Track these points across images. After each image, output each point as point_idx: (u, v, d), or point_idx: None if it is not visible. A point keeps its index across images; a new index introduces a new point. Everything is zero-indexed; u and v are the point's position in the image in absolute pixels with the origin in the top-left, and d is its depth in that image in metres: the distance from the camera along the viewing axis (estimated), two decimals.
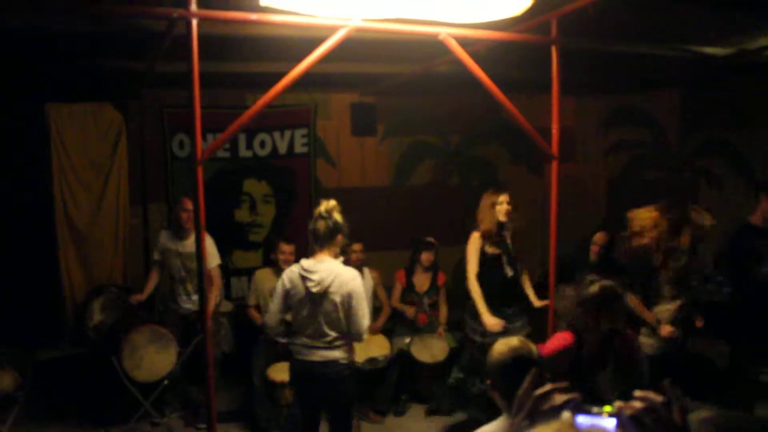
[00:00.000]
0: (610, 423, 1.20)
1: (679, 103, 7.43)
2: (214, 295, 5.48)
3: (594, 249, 5.78)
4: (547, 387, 1.31)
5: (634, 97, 7.64)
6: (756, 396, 5.21)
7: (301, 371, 4.03)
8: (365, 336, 3.96)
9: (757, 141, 6.74)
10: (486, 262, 5.17)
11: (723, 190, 6.97)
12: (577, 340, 3.71)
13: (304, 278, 3.90)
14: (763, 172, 6.55)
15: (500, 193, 5.19)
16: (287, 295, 3.97)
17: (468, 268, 5.16)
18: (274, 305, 4.02)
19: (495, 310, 5.06)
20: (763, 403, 5.25)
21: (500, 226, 5.18)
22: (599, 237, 5.80)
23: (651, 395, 1.23)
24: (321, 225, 3.94)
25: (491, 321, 4.97)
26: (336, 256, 4.00)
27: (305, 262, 3.96)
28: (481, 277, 5.16)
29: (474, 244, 5.18)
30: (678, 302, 4.85)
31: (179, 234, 5.54)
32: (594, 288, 3.68)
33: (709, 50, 5.06)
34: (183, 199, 5.49)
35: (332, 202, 4.01)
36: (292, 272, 3.99)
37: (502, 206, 5.15)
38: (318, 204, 4.02)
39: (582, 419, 1.21)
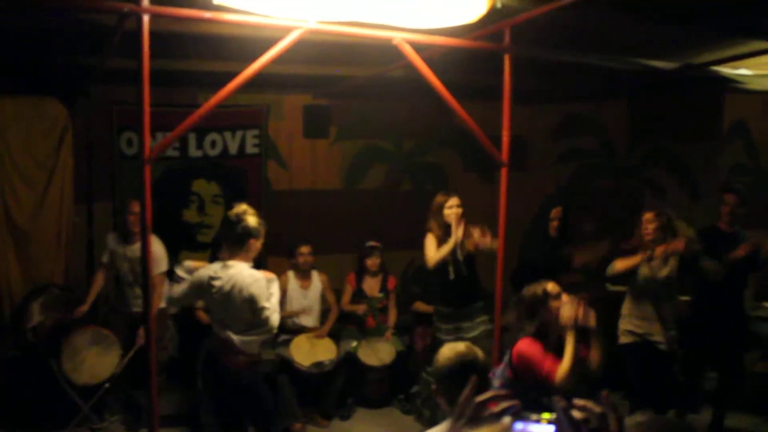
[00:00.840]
0: (548, 430, 1.21)
1: (627, 114, 7.60)
2: (155, 303, 5.40)
3: (553, 225, 5.94)
4: (488, 394, 1.32)
5: (583, 106, 7.78)
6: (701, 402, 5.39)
7: (212, 352, 4.11)
8: (275, 328, 3.98)
9: (700, 152, 6.94)
10: (440, 265, 5.19)
11: (667, 200, 7.15)
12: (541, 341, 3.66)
13: (210, 282, 3.95)
14: (704, 181, 6.76)
15: (449, 196, 5.21)
16: (197, 288, 4.02)
17: (428, 255, 5.18)
18: (179, 290, 4.09)
19: (447, 315, 5.12)
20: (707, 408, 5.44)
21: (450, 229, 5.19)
22: (556, 212, 5.98)
23: (589, 405, 1.26)
24: (230, 230, 3.93)
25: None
26: (250, 261, 3.99)
27: (214, 266, 4.01)
28: (431, 279, 5.20)
29: (430, 240, 5.22)
30: None
31: (127, 238, 5.44)
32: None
33: (656, 63, 5.19)
34: (131, 202, 5.39)
35: (242, 206, 4.00)
36: (204, 272, 4.03)
37: (451, 210, 5.17)
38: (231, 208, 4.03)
39: (520, 426, 1.23)
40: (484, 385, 2.61)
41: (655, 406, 4.95)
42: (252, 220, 3.94)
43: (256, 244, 3.98)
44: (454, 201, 5.21)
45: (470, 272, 5.25)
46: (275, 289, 4.04)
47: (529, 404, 1.28)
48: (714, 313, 5.18)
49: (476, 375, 1.55)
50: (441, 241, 5.18)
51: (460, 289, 5.24)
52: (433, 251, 5.18)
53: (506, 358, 3.77)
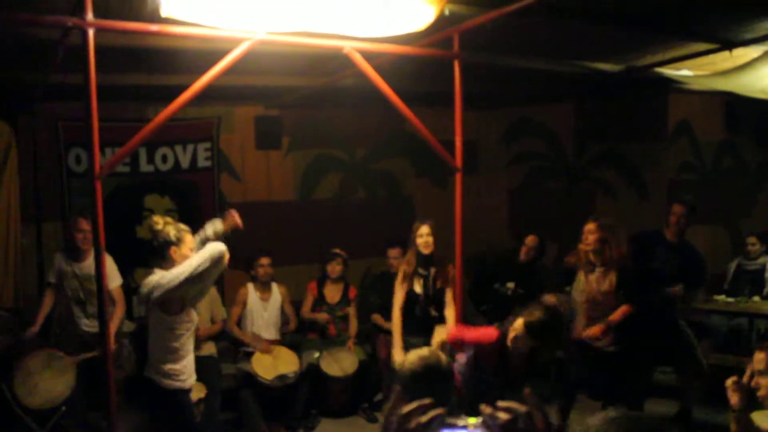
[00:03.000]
0: None
1: (574, 116, 7.74)
2: (119, 316, 5.30)
3: (524, 250, 5.90)
4: (413, 404, 1.32)
5: (532, 110, 7.91)
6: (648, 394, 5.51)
7: None
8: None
9: (646, 151, 7.11)
10: (408, 297, 5.20)
11: (617, 200, 7.30)
12: (502, 340, 3.71)
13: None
14: (653, 181, 6.92)
15: (421, 224, 5.19)
16: None
17: (393, 301, 5.22)
18: None
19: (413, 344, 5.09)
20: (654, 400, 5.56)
21: (424, 259, 5.16)
22: (531, 240, 5.91)
23: (514, 405, 1.28)
24: (153, 245, 3.89)
25: (398, 357, 4.95)
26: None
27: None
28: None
29: (399, 277, 5.24)
30: None
31: (75, 255, 5.31)
32: (540, 315, 3.53)
33: (602, 66, 5.31)
34: (77, 219, 5.26)
35: (155, 217, 3.93)
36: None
37: (422, 239, 5.12)
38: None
39: None
40: (447, 389, 2.64)
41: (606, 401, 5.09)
42: (171, 229, 3.85)
43: (180, 251, 3.85)
44: (425, 229, 5.15)
45: (439, 310, 5.25)
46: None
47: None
48: (649, 314, 5.27)
49: (401, 387, 1.52)
50: (410, 275, 5.19)
51: (427, 324, 5.24)
52: (400, 294, 5.20)
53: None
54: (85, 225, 5.17)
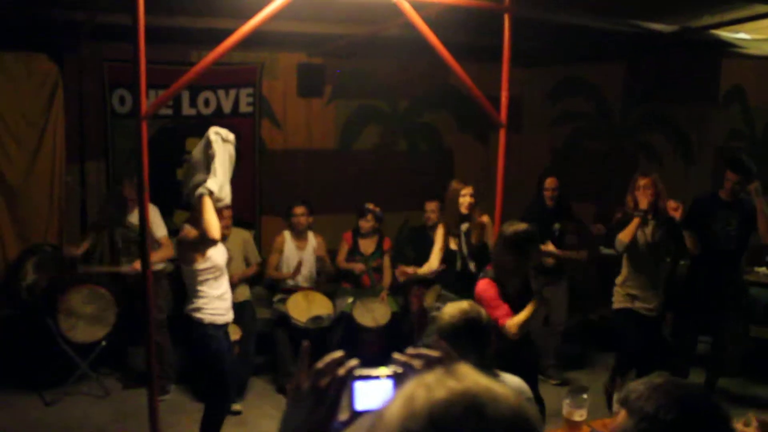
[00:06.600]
0: (387, 385, 1.21)
1: (623, 77, 7.54)
2: (161, 256, 5.38)
3: (548, 194, 5.99)
4: (327, 359, 1.25)
5: (580, 68, 7.71)
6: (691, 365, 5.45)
7: None
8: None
9: (695, 116, 6.91)
10: (445, 255, 5.20)
11: (662, 164, 7.14)
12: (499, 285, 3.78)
13: None
14: (701, 147, 6.73)
15: (464, 185, 5.18)
16: None
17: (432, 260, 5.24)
18: None
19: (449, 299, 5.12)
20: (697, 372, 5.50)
21: (462, 218, 5.17)
22: (550, 182, 6.00)
23: (425, 351, 1.25)
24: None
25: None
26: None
27: None
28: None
29: (439, 235, 5.23)
30: None
31: (124, 207, 5.41)
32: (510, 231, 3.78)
33: (655, 26, 5.14)
34: (125, 182, 5.36)
35: None
36: None
37: (465, 199, 5.14)
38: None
39: (359, 384, 1.21)
40: (487, 344, 2.65)
41: (643, 368, 5.03)
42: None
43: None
44: (468, 190, 5.16)
45: (478, 267, 5.22)
46: None
47: None
48: (712, 277, 5.20)
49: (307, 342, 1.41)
50: (449, 233, 5.17)
51: (465, 281, 5.22)
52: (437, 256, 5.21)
53: None
54: (129, 193, 5.29)
